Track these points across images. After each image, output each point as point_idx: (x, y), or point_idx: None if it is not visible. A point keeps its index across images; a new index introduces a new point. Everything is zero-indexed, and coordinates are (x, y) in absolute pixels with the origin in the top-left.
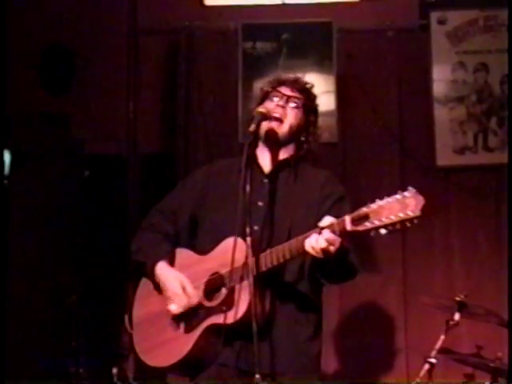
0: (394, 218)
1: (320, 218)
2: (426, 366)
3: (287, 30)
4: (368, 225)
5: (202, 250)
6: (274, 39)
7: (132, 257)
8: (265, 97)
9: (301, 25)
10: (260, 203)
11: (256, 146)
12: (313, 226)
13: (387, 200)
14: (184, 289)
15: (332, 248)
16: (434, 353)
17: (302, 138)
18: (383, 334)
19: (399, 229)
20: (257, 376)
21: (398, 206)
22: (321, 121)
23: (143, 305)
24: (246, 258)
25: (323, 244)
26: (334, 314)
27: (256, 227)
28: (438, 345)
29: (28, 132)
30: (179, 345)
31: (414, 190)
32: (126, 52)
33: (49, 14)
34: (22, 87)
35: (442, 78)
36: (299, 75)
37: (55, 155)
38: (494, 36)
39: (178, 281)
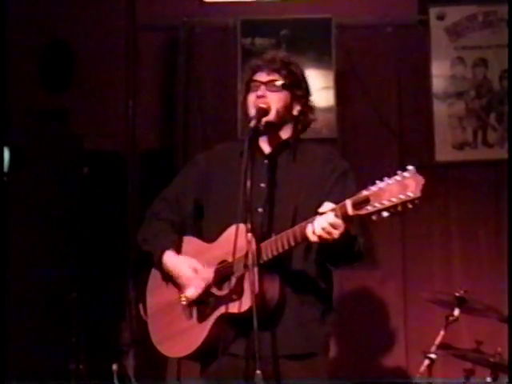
0: (394, 200)
1: (324, 195)
2: (426, 362)
3: (286, 26)
4: (369, 208)
5: (209, 234)
6: (272, 35)
7: (139, 248)
8: (247, 88)
9: (300, 21)
10: (262, 185)
11: (257, 140)
12: (317, 204)
13: (387, 182)
14: (196, 270)
15: (336, 232)
16: (433, 348)
17: (295, 113)
18: (382, 330)
19: (401, 211)
20: (257, 372)
21: (398, 188)
22: (320, 116)
23: (154, 295)
24: (249, 246)
25: (326, 228)
26: None
27: (260, 209)
28: (438, 340)
29: (27, 128)
30: (193, 335)
31: (413, 170)
32: (125, 48)
33: (48, 11)
34: (21, 84)
35: (440, 74)
36: (277, 51)
37: (54, 152)
38: (493, 31)
39: (187, 265)
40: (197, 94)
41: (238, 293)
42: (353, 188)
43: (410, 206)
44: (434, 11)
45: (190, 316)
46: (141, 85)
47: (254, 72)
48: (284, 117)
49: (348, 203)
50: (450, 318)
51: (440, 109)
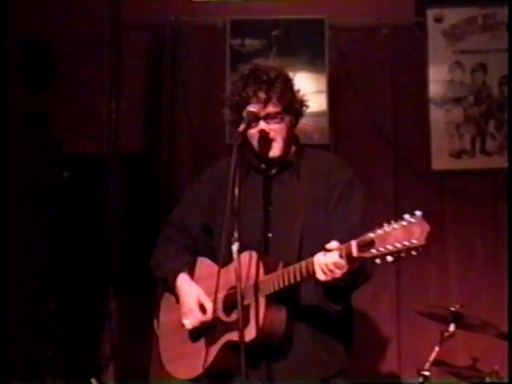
0: (399, 246)
1: (330, 212)
2: (420, 379)
3: (277, 26)
4: (374, 251)
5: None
6: (263, 36)
7: (153, 273)
8: (238, 117)
9: (292, 21)
10: (270, 208)
11: (245, 146)
12: (323, 224)
13: (393, 226)
14: (200, 304)
15: (338, 272)
16: (427, 365)
17: (294, 121)
18: (374, 345)
19: (404, 257)
20: None
21: (404, 233)
22: (312, 122)
23: (168, 313)
24: (257, 276)
25: (330, 267)
26: None
27: (270, 234)
28: (432, 357)
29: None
30: (201, 358)
31: (420, 216)
32: (109, 48)
33: (28, 8)
34: None
35: (438, 79)
36: (257, 67)
37: (32, 155)
38: (493, 35)
39: (194, 296)
40: (183, 96)
41: (244, 321)
42: (358, 201)
43: (414, 253)
44: (431, 13)
45: (199, 339)
46: (125, 86)
47: (244, 103)
48: (289, 141)
49: (353, 244)
50: (445, 334)
51: (437, 115)
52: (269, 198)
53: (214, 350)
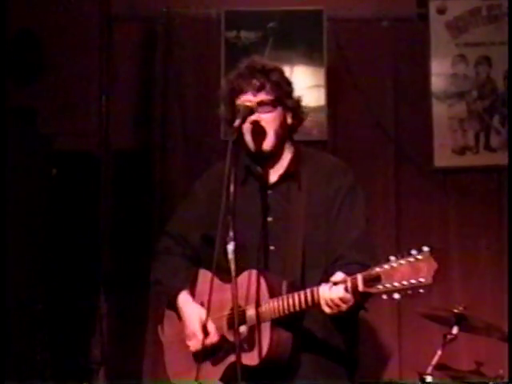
0: (405, 284)
1: (331, 222)
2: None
3: (274, 18)
4: (380, 287)
5: (223, 267)
6: (259, 28)
7: (152, 289)
8: (231, 111)
9: (289, 13)
10: (269, 219)
11: (240, 143)
12: (325, 235)
13: (400, 262)
14: (203, 327)
15: (344, 306)
16: (429, 369)
17: (289, 123)
18: (374, 348)
19: (411, 294)
20: None
21: (411, 270)
22: (309, 117)
23: (172, 325)
24: (258, 299)
25: (335, 301)
26: None
27: (272, 247)
28: (435, 360)
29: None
30: (207, 376)
31: (427, 253)
32: (99, 40)
33: None
34: None
35: (441, 72)
36: (253, 60)
37: (20, 152)
38: (497, 27)
39: (197, 318)
40: (176, 90)
41: (249, 343)
42: (360, 209)
43: (421, 290)
44: (434, 4)
45: (203, 359)
46: (115, 80)
47: (236, 94)
48: (283, 136)
49: (359, 279)
50: (448, 337)
51: (440, 110)
52: (267, 209)
53: (220, 370)
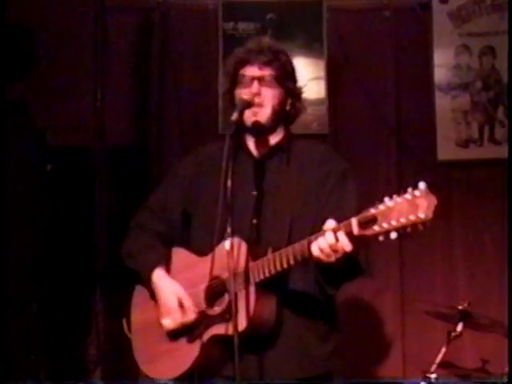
0: (404, 221)
1: (321, 205)
2: (425, 382)
3: (273, 9)
4: (376, 228)
5: (197, 244)
6: (257, 19)
7: (124, 263)
8: (233, 81)
9: (288, 3)
10: (253, 192)
11: (239, 136)
12: (314, 214)
13: (396, 200)
14: (181, 304)
15: (337, 254)
16: (434, 367)
17: (288, 108)
18: (378, 346)
19: (410, 233)
20: None
21: (408, 208)
22: (310, 110)
23: (140, 311)
24: (247, 263)
25: (333, 246)
26: None
27: (254, 220)
28: (439, 358)
29: None
30: (182, 355)
31: (425, 189)
32: (93, 32)
33: None
34: None
35: (444, 63)
36: (262, 39)
37: (13, 147)
38: (502, 16)
39: (174, 295)
40: (173, 83)
41: (231, 312)
42: (352, 192)
43: (421, 227)
44: None
45: (178, 337)
46: (110, 73)
47: (242, 65)
48: (279, 115)
49: (354, 222)
50: (453, 334)
51: (443, 102)
52: (257, 182)
53: (197, 346)
